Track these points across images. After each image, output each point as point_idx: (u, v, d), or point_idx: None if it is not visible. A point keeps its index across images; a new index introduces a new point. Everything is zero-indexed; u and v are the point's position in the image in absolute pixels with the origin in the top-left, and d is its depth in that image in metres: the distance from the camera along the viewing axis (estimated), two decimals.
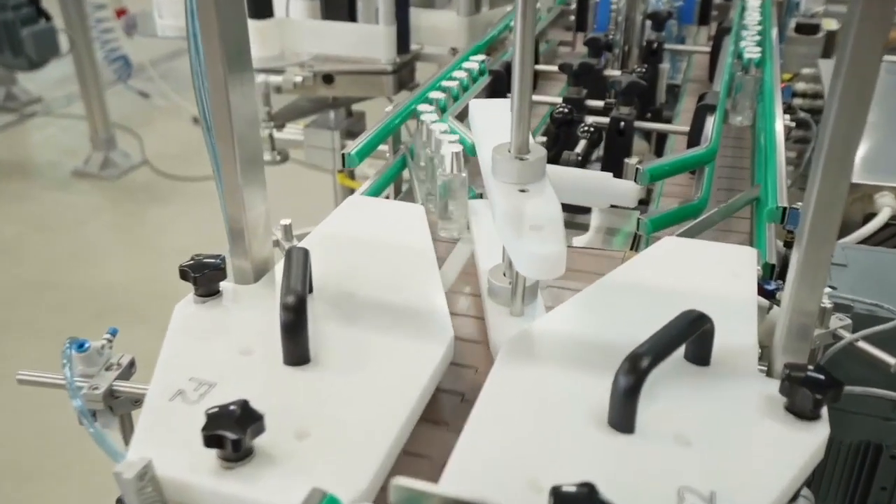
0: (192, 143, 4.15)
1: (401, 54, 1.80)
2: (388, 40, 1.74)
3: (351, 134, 1.93)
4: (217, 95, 0.76)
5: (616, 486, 0.57)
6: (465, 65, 1.33)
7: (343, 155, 1.03)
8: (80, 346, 0.71)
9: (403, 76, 1.83)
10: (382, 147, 1.36)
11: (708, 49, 1.64)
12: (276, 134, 1.84)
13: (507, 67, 1.36)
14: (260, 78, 1.77)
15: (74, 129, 4.34)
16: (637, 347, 0.64)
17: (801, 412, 0.64)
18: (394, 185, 1.21)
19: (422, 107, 1.13)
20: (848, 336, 0.84)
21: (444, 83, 1.23)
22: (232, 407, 0.59)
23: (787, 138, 1.17)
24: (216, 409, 0.59)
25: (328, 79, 1.76)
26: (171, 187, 3.75)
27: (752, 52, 1.28)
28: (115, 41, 4.18)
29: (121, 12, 3.86)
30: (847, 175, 0.63)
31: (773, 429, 0.63)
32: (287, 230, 0.98)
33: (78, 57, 3.67)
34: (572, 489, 0.52)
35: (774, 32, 1.57)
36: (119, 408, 0.73)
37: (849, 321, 0.86)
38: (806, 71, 1.77)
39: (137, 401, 0.74)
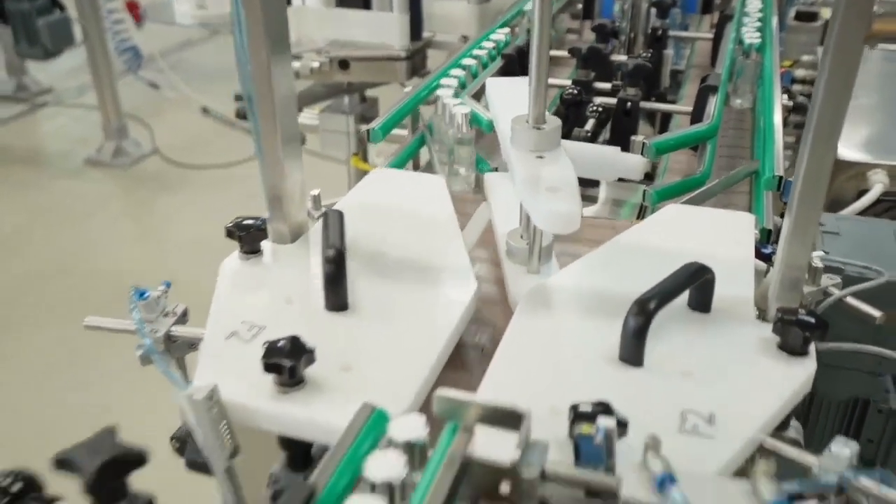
0: (201, 134, 4.23)
1: (413, 41, 1.87)
2: (401, 27, 1.81)
3: (365, 119, 2.00)
4: (260, 75, 0.83)
5: (627, 409, 0.64)
6: (485, 44, 1.41)
7: (368, 130, 1.10)
8: (142, 295, 0.79)
9: (416, 63, 1.91)
10: (400, 132, 1.44)
11: (710, 36, 1.71)
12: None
13: (519, 52, 1.43)
14: None
15: (85, 118, 4.41)
16: (645, 292, 0.72)
17: (792, 349, 0.71)
18: (412, 162, 1.28)
19: (441, 90, 1.20)
20: (837, 293, 0.91)
21: (465, 61, 1.31)
22: (286, 341, 0.67)
23: (785, 124, 1.24)
24: (273, 342, 0.67)
25: (344, 64, 1.83)
26: (182, 176, 3.82)
27: (752, 37, 1.36)
28: (124, 32, 4.25)
29: (132, 6, 3.94)
30: (833, 146, 0.71)
31: (765, 364, 0.71)
32: (316, 200, 1.05)
33: (91, 47, 3.73)
34: (589, 407, 0.60)
35: (775, 20, 1.64)
36: (175, 351, 0.81)
37: (839, 280, 0.93)
38: (805, 58, 1.84)
39: (192, 344, 0.81)
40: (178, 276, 0.85)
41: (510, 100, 0.96)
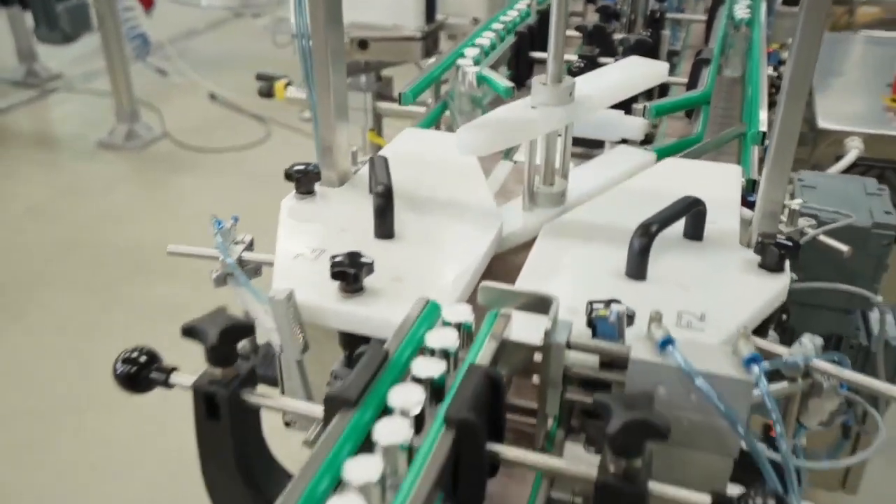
0: (208, 118, 4.35)
1: (428, 23, 2.00)
2: (417, 9, 1.95)
3: (381, 96, 2.13)
4: (317, 39, 0.97)
5: (633, 309, 0.78)
6: (502, 18, 1.55)
7: (400, 93, 1.24)
8: (219, 225, 0.92)
9: (429, 44, 2.04)
10: (416, 109, 1.58)
11: (704, 18, 1.85)
12: None
13: (531, 29, 1.57)
14: (304, 42, 1.97)
15: (95, 103, 4.52)
16: (648, 218, 0.86)
17: (770, 266, 0.85)
18: (435, 126, 1.41)
19: (461, 60, 1.34)
20: (811, 231, 1.05)
21: (486, 33, 1.45)
22: (349, 255, 0.81)
23: (770, 104, 1.38)
24: (338, 255, 0.80)
25: (363, 44, 1.96)
26: (191, 158, 3.94)
27: (743, 13, 1.49)
28: (133, 19, 4.37)
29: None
30: (803, 100, 0.85)
31: (747, 278, 0.85)
32: (354, 155, 1.19)
33: (105, 32, 3.85)
34: (604, 301, 0.74)
35: (764, 3, 1.78)
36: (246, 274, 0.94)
37: (814, 222, 1.07)
38: (791, 41, 1.97)
39: (258, 270, 0.94)
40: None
41: None
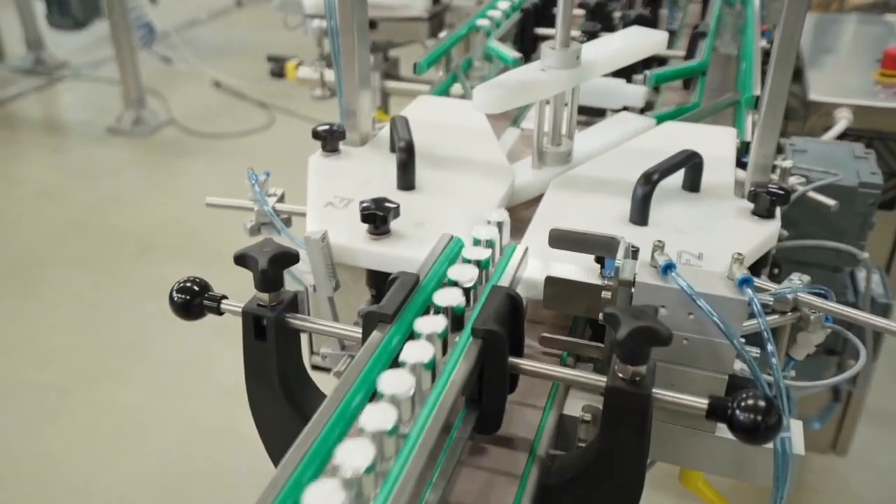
0: (212, 105, 4.42)
1: (434, 4, 2.08)
2: None
3: (389, 76, 2.21)
4: (344, 10, 1.04)
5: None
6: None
7: (415, 63, 1.31)
8: (255, 177, 0.99)
9: (435, 24, 2.11)
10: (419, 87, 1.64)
11: None
12: (326, 73, 2.11)
13: (535, 7, 1.64)
14: (315, 23, 2.05)
15: (103, 91, 4.59)
16: (649, 168, 0.93)
17: (761, 213, 0.93)
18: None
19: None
20: (801, 188, 1.13)
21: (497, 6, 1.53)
22: (376, 200, 0.88)
23: (763, 82, 1.45)
24: (367, 201, 0.88)
25: (372, 24, 2.03)
26: (197, 144, 4.01)
27: None
28: (139, 8, 4.44)
29: None
30: (790, 66, 0.93)
31: (741, 223, 0.92)
32: (373, 120, 1.27)
33: (113, 20, 3.91)
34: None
35: None
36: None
37: (804, 179, 1.15)
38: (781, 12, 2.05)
39: (288, 219, 1.02)
40: (196, 229, 1.05)
41: None
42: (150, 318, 2.63)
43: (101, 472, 2.15)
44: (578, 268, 0.81)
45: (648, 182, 0.92)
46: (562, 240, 0.79)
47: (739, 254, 0.73)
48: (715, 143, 1.13)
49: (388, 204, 0.88)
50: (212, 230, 3.00)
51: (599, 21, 1.62)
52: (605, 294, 0.76)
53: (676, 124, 1.20)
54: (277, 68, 2.24)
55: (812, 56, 1.81)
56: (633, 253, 0.81)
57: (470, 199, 0.98)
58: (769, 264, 1.03)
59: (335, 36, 1.07)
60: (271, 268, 0.72)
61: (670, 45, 1.79)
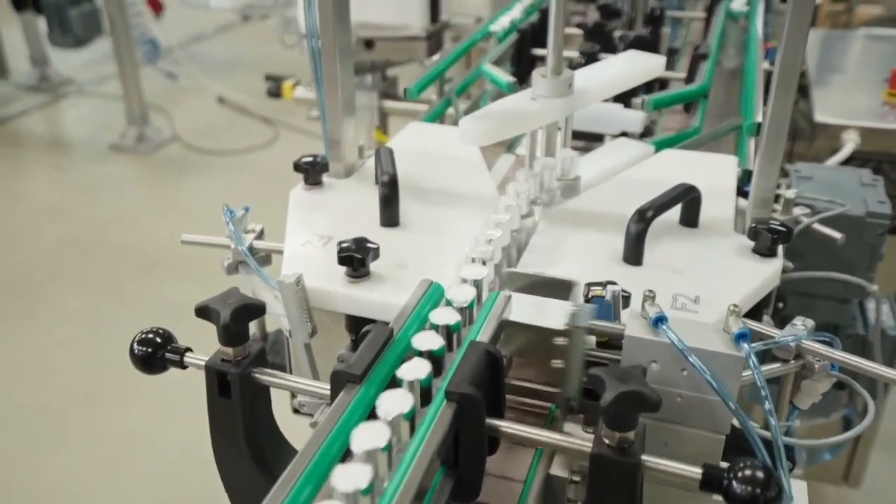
0: (216, 122, 4.40)
1: (433, 23, 2.04)
2: (422, 9, 1.98)
3: (387, 95, 2.17)
4: (326, 34, 1.00)
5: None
6: (501, 19, 1.58)
7: (405, 89, 1.27)
8: (231, 213, 0.95)
9: (433, 43, 2.07)
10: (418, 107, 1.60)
11: (704, 15, 1.87)
12: None
13: (533, 27, 1.60)
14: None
15: (106, 107, 4.58)
16: (643, 204, 0.88)
17: (762, 251, 0.88)
18: (439, 121, 1.44)
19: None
20: (806, 220, 1.08)
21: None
22: (355, 241, 0.84)
23: (766, 91, 1.40)
24: (345, 241, 0.83)
25: (369, 44, 2.00)
26: (200, 160, 3.99)
27: (740, 7, 1.52)
28: (144, 24, 4.42)
29: (155, 4, 4.13)
30: (791, 93, 0.88)
31: (740, 262, 0.88)
32: (360, 149, 1.22)
33: (116, 36, 3.90)
34: (600, 284, 0.77)
35: (762, 4, 1.80)
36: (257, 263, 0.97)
37: (808, 210, 1.10)
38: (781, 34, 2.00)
39: (268, 258, 0.97)
40: (198, 248, 1.01)
41: None
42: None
43: (98, 498, 2.11)
44: (551, 311, 0.76)
45: (642, 220, 0.87)
46: (516, 282, 0.74)
47: (735, 305, 0.68)
48: (715, 172, 1.08)
49: (367, 244, 0.84)
50: (214, 249, 2.96)
51: (598, 41, 1.57)
52: (558, 340, 0.71)
53: (675, 152, 1.15)
54: (275, 88, 2.21)
55: (818, 75, 1.76)
56: (625, 299, 0.77)
57: (457, 236, 0.94)
58: (773, 301, 0.97)
59: (317, 60, 1.03)
60: (234, 322, 0.67)
61: (672, 65, 1.75)
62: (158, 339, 0.73)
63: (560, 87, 1.00)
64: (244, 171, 3.87)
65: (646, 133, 1.39)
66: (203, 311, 0.68)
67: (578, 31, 1.59)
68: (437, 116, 1.41)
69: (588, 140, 1.36)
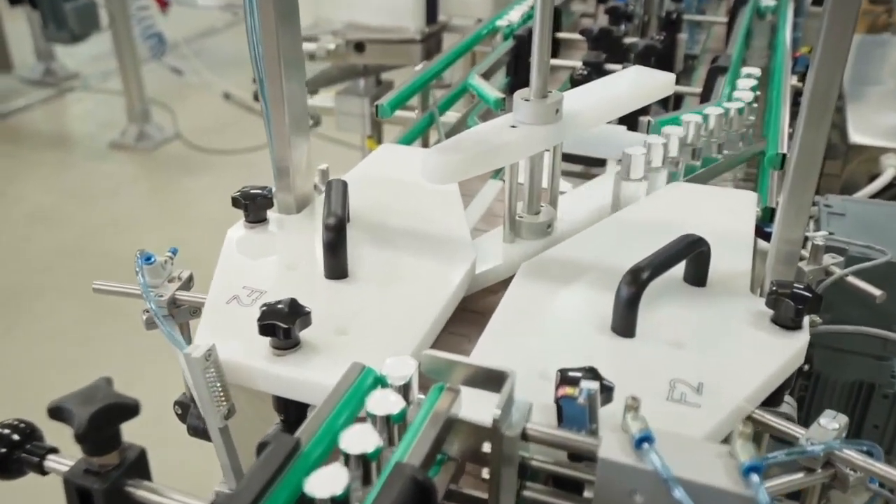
0: (223, 119, 4.27)
1: (429, 24, 1.88)
2: (417, 10, 1.82)
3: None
4: (268, 44, 0.85)
5: (616, 376, 0.65)
6: (498, 23, 1.42)
7: (376, 105, 1.11)
8: (147, 259, 0.80)
9: (431, 46, 1.91)
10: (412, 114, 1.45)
11: (726, 20, 1.70)
12: (309, 100, 1.93)
13: (530, 33, 1.43)
14: None
15: (110, 103, 4.46)
16: (638, 262, 0.72)
17: (784, 322, 0.72)
18: (421, 140, 1.29)
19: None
20: (839, 271, 0.91)
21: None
22: (282, 304, 0.68)
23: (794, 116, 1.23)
24: (270, 305, 0.68)
25: (359, 47, 1.84)
26: (203, 160, 3.86)
27: (767, 2, 1.35)
28: (150, 19, 4.30)
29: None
30: (827, 120, 0.71)
31: (757, 336, 0.71)
32: (324, 174, 1.07)
33: (116, 32, 3.78)
34: (577, 372, 0.61)
35: (791, 2, 1.62)
36: (180, 316, 0.82)
37: (840, 259, 0.93)
38: (814, 48, 1.82)
39: (195, 311, 0.83)
40: (199, 255, 0.88)
41: None
42: (141, 355, 2.46)
43: None
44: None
45: (635, 282, 0.71)
46: (435, 367, 0.58)
47: (746, 422, 0.52)
48: (729, 212, 0.92)
49: (297, 309, 0.68)
50: (213, 257, 2.83)
51: (605, 49, 1.41)
52: (485, 448, 0.55)
53: (684, 186, 0.98)
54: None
55: (854, 87, 1.58)
56: (608, 392, 0.61)
57: (415, 291, 0.78)
58: (796, 378, 0.81)
59: (260, 69, 0.88)
60: (93, 430, 0.52)
61: (688, 76, 1.58)
62: (16, 436, 0.58)
63: (545, 112, 0.84)
64: (246, 171, 3.73)
65: None
66: (56, 413, 0.54)
67: (578, 37, 1.42)
68: (420, 133, 1.26)
69: (587, 165, 1.20)
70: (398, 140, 1.17)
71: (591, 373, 0.61)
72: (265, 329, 0.67)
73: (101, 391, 0.54)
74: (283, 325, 0.67)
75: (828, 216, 1.07)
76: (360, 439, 0.52)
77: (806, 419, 1.16)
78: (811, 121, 0.72)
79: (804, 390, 1.14)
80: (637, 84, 0.96)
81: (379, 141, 2.02)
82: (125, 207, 3.49)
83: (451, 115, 1.41)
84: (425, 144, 1.32)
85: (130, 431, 0.55)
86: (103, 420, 0.52)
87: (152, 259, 0.81)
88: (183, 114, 4.21)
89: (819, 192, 1.63)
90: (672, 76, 0.99)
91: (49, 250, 3.14)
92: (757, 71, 1.17)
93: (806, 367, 1.03)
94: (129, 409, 0.53)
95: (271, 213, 0.91)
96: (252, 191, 0.90)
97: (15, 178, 3.74)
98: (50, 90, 4.72)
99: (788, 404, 0.78)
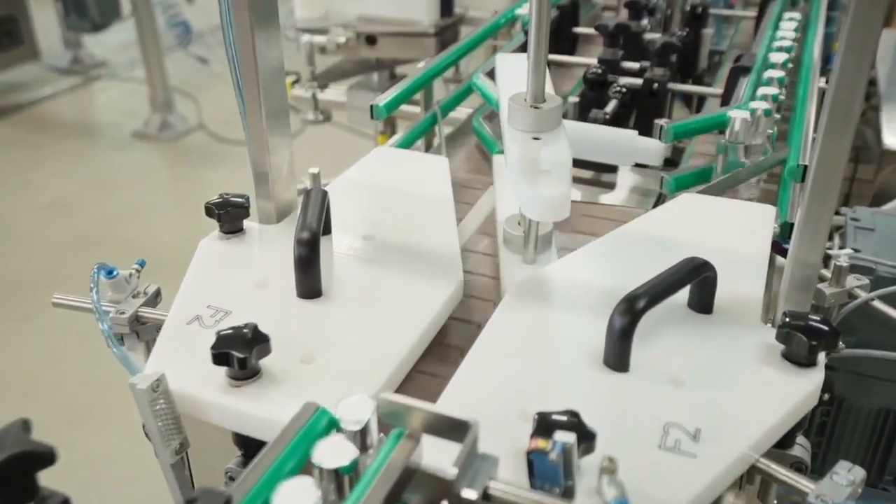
0: None
1: (444, 17, 1.81)
2: (431, 2, 1.75)
3: None
4: (243, 43, 0.79)
5: (604, 418, 0.59)
6: (519, 10, 1.35)
7: (371, 106, 1.05)
8: (109, 273, 0.75)
9: (446, 39, 1.84)
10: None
11: (755, 14, 1.61)
12: (320, 94, 1.87)
13: None
14: (304, 38, 1.81)
15: (136, 92, 4.44)
16: (634, 289, 0.65)
17: (797, 359, 0.64)
18: (424, 140, 1.22)
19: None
20: (864, 295, 0.83)
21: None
22: (241, 329, 0.63)
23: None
24: (226, 330, 0.63)
25: (371, 40, 1.78)
26: (225, 151, 3.83)
27: (794, 15, 1.26)
28: (176, 6, 4.27)
29: None
30: (850, 131, 0.64)
31: (766, 374, 0.64)
32: (315, 178, 1.01)
33: (139, 21, 3.76)
34: (557, 416, 0.54)
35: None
36: (145, 334, 0.77)
37: (866, 281, 0.85)
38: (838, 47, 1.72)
39: (161, 328, 0.77)
40: None
41: (517, 77, 0.90)
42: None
43: None
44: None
45: (629, 312, 0.64)
46: (391, 412, 0.52)
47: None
48: (745, 229, 0.84)
49: (256, 335, 0.62)
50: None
51: (624, 47, 1.33)
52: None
53: (697, 198, 0.91)
54: None
55: (890, 87, 1.49)
56: (589, 441, 0.54)
57: (393, 314, 0.72)
58: (810, 417, 0.74)
59: (234, 62, 0.82)
60: (4, 476, 0.47)
61: (712, 75, 1.49)
62: None
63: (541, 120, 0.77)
64: None
65: (670, 162, 1.15)
66: None
67: (592, 31, 1.34)
68: (422, 133, 1.19)
69: (597, 171, 1.12)
70: (396, 144, 1.11)
71: (573, 417, 0.54)
72: (219, 358, 0.61)
73: (9, 436, 0.48)
74: (239, 354, 0.61)
75: (855, 231, 0.98)
76: (299, 495, 0.46)
77: (826, 447, 1.08)
78: (832, 129, 0.64)
79: (826, 415, 1.06)
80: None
81: (392, 136, 1.96)
82: (144, 197, 3.46)
83: (461, 111, 1.35)
84: (429, 145, 1.26)
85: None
86: (12, 470, 0.47)
87: (115, 273, 0.75)
88: (207, 103, 4.17)
89: (849, 199, 1.54)
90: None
91: (66, 240, 3.13)
92: (780, 73, 1.09)
93: (826, 397, 0.95)
94: (44, 458, 0.48)
95: (250, 223, 0.85)
96: (232, 198, 0.84)
97: (39, 166, 3.73)
98: (76, 78, 4.71)
99: (801, 446, 0.70)
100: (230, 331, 0.62)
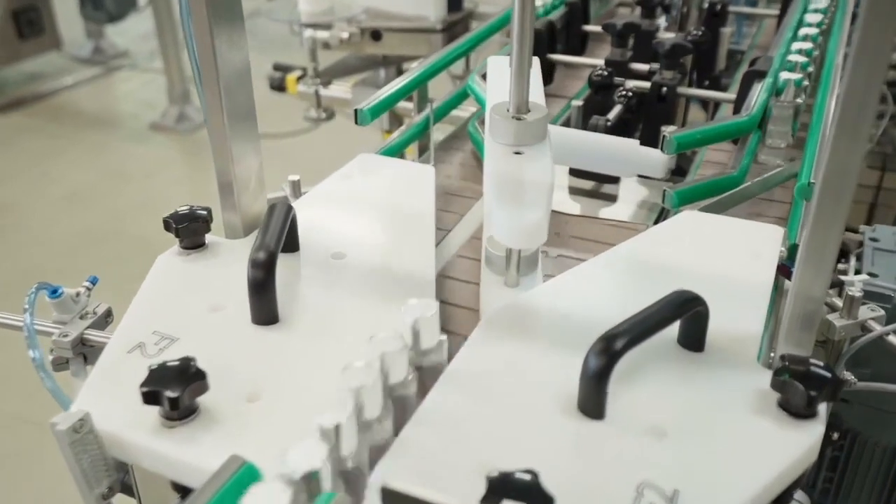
0: (262, 102, 4.18)
1: (452, 12, 1.74)
2: None
3: None
4: (202, 43, 0.73)
5: (571, 475, 0.53)
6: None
7: (356, 111, 0.99)
8: (54, 292, 0.70)
9: (455, 35, 1.77)
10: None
11: (777, 13, 1.52)
12: (323, 91, 1.82)
13: (548, 26, 1.29)
14: (307, 33, 1.75)
15: (156, 83, 4.42)
16: (614, 327, 0.59)
17: (794, 409, 0.57)
18: (419, 144, 1.16)
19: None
20: (878, 329, 0.76)
21: None
22: (176, 363, 0.57)
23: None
24: (159, 365, 0.57)
25: (376, 35, 1.72)
26: None
27: (817, 15, 1.18)
28: None
29: None
30: (861, 145, 0.56)
31: (758, 425, 0.57)
32: (295, 186, 0.96)
33: (157, 12, 3.73)
34: (512, 476, 0.48)
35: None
36: (93, 357, 0.72)
37: (881, 313, 0.78)
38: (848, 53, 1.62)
39: None
40: None
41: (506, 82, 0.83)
42: None
43: None
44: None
45: (605, 353, 0.57)
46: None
47: None
48: (749, 251, 0.77)
49: (189, 372, 0.57)
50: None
51: (634, 47, 1.26)
52: None
53: (698, 216, 0.84)
54: (278, 80, 1.96)
55: None
56: None
57: (355, 345, 0.66)
58: (811, 468, 0.67)
59: (195, 61, 0.76)
60: None
61: (730, 77, 1.41)
62: None
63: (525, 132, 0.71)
64: (281, 158, 3.64)
65: (677, 171, 1.08)
66: None
67: (597, 29, 1.27)
68: (416, 137, 1.13)
69: (598, 181, 1.05)
70: (386, 149, 1.04)
71: (531, 478, 0.48)
72: (148, 397, 0.56)
73: None
74: (171, 393, 0.55)
75: (873, 252, 0.91)
76: None
77: (839, 482, 1.01)
78: (841, 142, 0.57)
79: (839, 450, 0.99)
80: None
81: None
82: (158, 190, 3.44)
83: (466, 110, 1.29)
84: (423, 149, 1.20)
85: None
86: None
87: (59, 292, 0.70)
88: None
89: (874, 209, 1.45)
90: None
91: (79, 232, 3.11)
92: (797, 76, 1.01)
93: (835, 436, 0.88)
94: None
95: (214, 237, 0.80)
96: (189, 211, 0.79)
97: (57, 157, 3.73)
98: (98, 69, 4.70)
99: (799, 502, 0.64)
100: (163, 365, 0.57)
